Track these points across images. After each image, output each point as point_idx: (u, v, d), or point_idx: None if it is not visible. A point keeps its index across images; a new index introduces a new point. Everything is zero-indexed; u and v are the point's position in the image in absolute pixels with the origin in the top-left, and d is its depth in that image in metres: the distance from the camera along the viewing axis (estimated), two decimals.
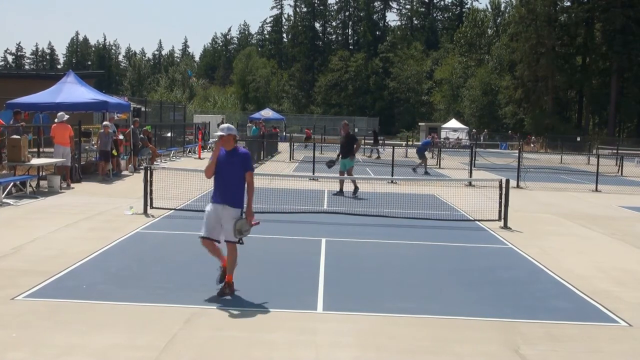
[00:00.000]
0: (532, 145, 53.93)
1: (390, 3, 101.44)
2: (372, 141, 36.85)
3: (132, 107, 24.07)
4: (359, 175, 18.98)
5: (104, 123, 18.28)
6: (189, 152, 31.63)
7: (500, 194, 12.25)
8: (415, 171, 24.05)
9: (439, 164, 28.97)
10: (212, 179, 6.88)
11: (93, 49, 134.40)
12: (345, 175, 16.21)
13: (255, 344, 5.51)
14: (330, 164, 16.93)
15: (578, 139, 51.50)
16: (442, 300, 7.11)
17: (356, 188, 16.01)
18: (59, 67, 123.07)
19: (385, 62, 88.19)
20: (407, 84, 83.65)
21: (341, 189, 16.18)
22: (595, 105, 66.27)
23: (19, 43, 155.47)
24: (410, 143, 46.04)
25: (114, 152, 17.89)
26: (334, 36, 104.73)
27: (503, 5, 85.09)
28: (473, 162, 22.58)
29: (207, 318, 6.15)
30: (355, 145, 16.59)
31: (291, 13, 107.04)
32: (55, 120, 16.43)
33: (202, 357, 5.22)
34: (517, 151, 26.90)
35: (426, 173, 23.71)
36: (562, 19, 65.30)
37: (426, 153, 25.87)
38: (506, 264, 9.15)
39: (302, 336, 5.75)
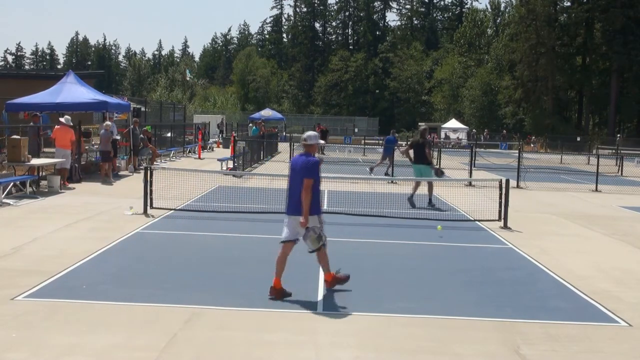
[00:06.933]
0: (532, 145, 53.90)
1: (390, 3, 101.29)
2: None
3: (132, 107, 24.05)
4: (360, 175, 18.96)
5: (106, 123, 18.28)
6: (189, 152, 31.63)
7: (500, 194, 12.25)
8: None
9: (439, 164, 28.93)
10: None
11: (93, 49, 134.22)
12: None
13: (255, 344, 5.51)
14: (441, 173, 15.45)
15: (578, 139, 51.51)
16: (442, 300, 7.11)
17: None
18: (59, 67, 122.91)
19: (385, 62, 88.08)
20: (407, 84, 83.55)
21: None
22: (595, 105, 66.25)
23: (19, 43, 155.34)
24: None
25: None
26: (334, 36, 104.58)
27: (503, 5, 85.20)
28: (473, 162, 22.57)
29: (207, 318, 6.15)
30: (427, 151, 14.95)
31: (291, 13, 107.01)
32: (63, 122, 16.51)
33: (202, 357, 5.22)
34: (517, 151, 26.87)
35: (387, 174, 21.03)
36: (562, 19, 65.31)
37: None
38: (506, 264, 9.15)
39: (302, 336, 5.76)
